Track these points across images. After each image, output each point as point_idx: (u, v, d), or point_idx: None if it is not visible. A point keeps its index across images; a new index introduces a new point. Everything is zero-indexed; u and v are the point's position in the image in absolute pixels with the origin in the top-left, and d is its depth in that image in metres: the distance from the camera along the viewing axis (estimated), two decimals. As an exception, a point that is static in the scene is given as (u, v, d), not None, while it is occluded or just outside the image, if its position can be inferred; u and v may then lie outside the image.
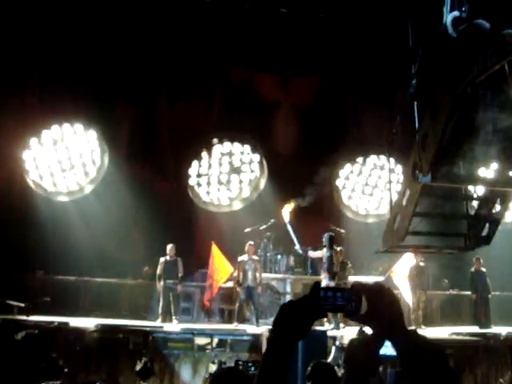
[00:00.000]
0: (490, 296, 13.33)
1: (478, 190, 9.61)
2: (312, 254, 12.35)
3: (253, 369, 5.68)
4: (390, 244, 8.97)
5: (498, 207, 8.96)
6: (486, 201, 9.08)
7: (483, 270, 13.39)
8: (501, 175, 8.35)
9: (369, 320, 1.55)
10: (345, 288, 1.59)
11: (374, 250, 13.53)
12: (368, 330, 1.64)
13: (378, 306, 1.53)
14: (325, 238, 11.97)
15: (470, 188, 9.75)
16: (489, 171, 8.51)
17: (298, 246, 12.31)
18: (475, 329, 12.57)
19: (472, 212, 9.35)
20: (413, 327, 10.49)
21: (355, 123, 15.87)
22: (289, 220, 12.50)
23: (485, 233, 9.09)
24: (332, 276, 11.63)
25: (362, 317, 1.54)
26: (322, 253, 11.90)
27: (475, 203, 9.47)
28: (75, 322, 10.54)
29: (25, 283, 12.70)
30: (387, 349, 1.76)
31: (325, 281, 11.61)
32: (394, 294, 1.58)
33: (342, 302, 1.55)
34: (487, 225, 9.02)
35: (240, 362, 5.77)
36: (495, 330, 12.31)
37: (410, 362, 1.49)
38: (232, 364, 7.88)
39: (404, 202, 8.49)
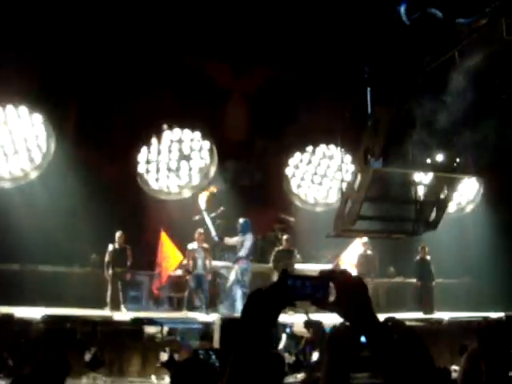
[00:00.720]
0: (433, 283, 13.73)
1: (426, 177, 9.85)
2: (228, 240, 12.38)
3: (214, 357, 5.64)
4: (340, 228, 9.11)
5: (444, 193, 9.23)
6: (434, 187, 9.33)
7: (428, 258, 13.78)
8: (448, 162, 8.58)
9: (337, 308, 1.54)
10: (313, 276, 1.57)
11: (323, 238, 13.80)
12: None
13: (347, 294, 1.52)
14: (239, 224, 12.09)
15: (419, 174, 9.99)
16: (437, 158, 8.71)
17: (213, 234, 12.34)
18: (419, 315, 12.93)
19: (420, 198, 9.59)
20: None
21: (305, 112, 15.94)
22: (205, 207, 12.48)
23: (432, 218, 9.35)
24: (250, 260, 11.85)
25: (331, 305, 1.54)
26: (238, 239, 11.97)
27: (423, 189, 9.71)
28: (20, 312, 10.22)
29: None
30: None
31: (242, 266, 11.72)
32: (363, 281, 1.58)
33: (311, 291, 1.54)
34: (434, 210, 9.27)
35: (200, 352, 5.68)
36: (438, 315, 12.71)
37: (380, 349, 1.49)
38: (185, 354, 7.86)
39: (355, 187, 8.62)
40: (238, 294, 11.69)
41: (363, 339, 1.59)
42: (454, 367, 8.67)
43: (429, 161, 8.60)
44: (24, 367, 8.18)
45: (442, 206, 9.34)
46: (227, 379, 1.48)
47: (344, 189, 9.32)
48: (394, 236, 10.12)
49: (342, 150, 11.70)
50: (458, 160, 8.52)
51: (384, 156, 8.04)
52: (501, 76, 7.39)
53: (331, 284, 1.54)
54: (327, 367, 1.70)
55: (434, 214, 9.35)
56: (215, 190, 13.58)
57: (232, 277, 11.92)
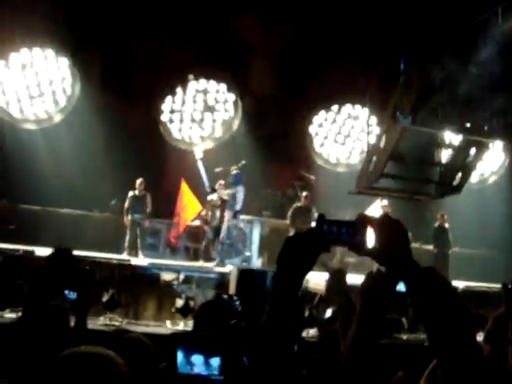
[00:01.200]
0: (450, 251, 13.67)
1: (454, 139, 9.67)
2: (222, 192, 12.19)
3: (237, 303, 5.70)
4: (363, 185, 9.06)
5: (471, 157, 9.09)
6: (461, 150, 9.18)
7: (446, 225, 13.67)
8: (477, 125, 8.43)
9: (375, 253, 1.49)
10: (350, 221, 1.52)
11: (342, 198, 13.78)
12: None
13: (385, 238, 1.47)
14: (231, 176, 11.94)
15: (446, 136, 9.80)
16: (466, 120, 8.54)
17: (207, 185, 12.22)
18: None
19: (446, 160, 9.46)
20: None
21: (332, 71, 15.67)
22: (201, 157, 12.31)
23: (456, 182, 9.24)
24: (234, 214, 11.74)
25: (368, 250, 1.49)
26: (229, 191, 11.92)
27: (449, 152, 9.57)
28: (40, 251, 10.40)
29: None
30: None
31: (228, 219, 11.71)
32: (403, 227, 1.52)
33: (347, 236, 1.50)
34: (459, 174, 9.16)
35: (224, 296, 5.71)
36: (453, 283, 12.67)
37: (422, 298, 1.44)
38: (200, 300, 7.95)
39: (381, 145, 8.53)
40: (227, 245, 11.78)
41: (399, 288, 1.56)
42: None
43: (458, 123, 8.45)
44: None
45: (467, 170, 9.22)
46: (265, 321, 1.48)
47: (369, 146, 9.22)
48: (416, 197, 10.03)
49: (369, 108, 11.48)
50: (487, 124, 8.36)
51: (413, 114, 7.91)
52: None
53: (369, 229, 1.49)
54: (359, 316, 1.66)
55: (458, 178, 9.23)
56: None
57: (224, 230, 11.84)
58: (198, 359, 2.60)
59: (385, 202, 13.27)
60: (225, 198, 12.30)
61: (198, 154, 12.37)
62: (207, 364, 2.56)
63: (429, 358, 1.47)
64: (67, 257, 2.61)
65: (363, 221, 1.51)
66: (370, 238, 1.49)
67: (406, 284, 1.47)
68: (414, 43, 7.95)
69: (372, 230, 1.49)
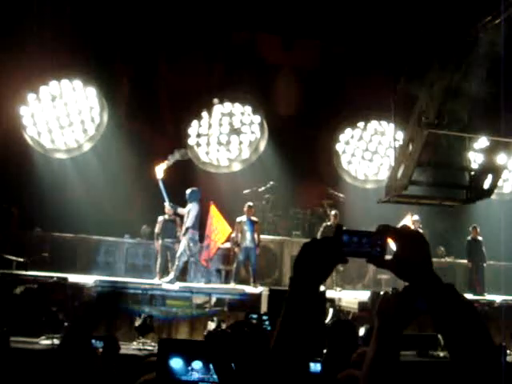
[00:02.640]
0: (485, 265, 13.42)
1: (482, 141, 9.50)
2: (180, 210, 12.14)
3: (267, 322, 5.64)
4: (392, 193, 8.97)
5: (500, 159, 8.92)
6: (489, 153, 9.03)
7: (480, 238, 13.45)
8: (505, 127, 8.30)
9: (395, 265, 1.46)
10: (370, 232, 1.49)
11: (372, 215, 13.62)
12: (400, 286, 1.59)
13: (406, 250, 1.44)
14: (187, 194, 11.93)
15: (474, 139, 9.65)
16: (494, 122, 8.40)
17: (167, 203, 12.14)
18: (470, 296, 12.66)
19: (474, 164, 9.30)
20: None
21: (357, 87, 15.69)
22: (162, 177, 12.32)
23: (487, 185, 9.07)
24: (185, 230, 11.66)
25: (388, 262, 1.47)
26: (185, 209, 11.91)
27: (478, 155, 9.41)
28: (73, 278, 10.57)
29: (23, 240, 12.72)
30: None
31: (189, 236, 11.63)
32: (424, 238, 1.49)
33: (367, 247, 1.47)
34: (489, 176, 8.99)
35: (253, 316, 5.65)
36: (489, 297, 12.43)
37: (441, 312, 1.41)
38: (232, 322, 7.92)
39: (408, 151, 8.45)
40: (181, 263, 11.70)
41: (419, 305, 1.53)
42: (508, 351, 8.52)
43: (485, 125, 8.33)
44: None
45: (497, 172, 9.05)
46: (278, 331, 1.45)
47: (396, 153, 9.14)
48: (446, 203, 9.87)
49: (395, 123, 11.39)
50: None
51: (438, 119, 7.84)
52: None
53: (389, 240, 1.47)
54: (377, 336, 1.63)
55: (488, 181, 9.07)
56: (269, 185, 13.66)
57: (181, 248, 11.80)
58: (198, 364, 2.58)
59: (416, 217, 13.12)
60: (254, 219, 12.33)
61: (159, 173, 12.41)
62: (207, 369, 2.55)
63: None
64: (117, 300, 2.65)
65: (383, 232, 1.48)
66: (390, 250, 1.48)
67: (425, 297, 1.44)
68: (435, 45, 7.90)
69: (391, 241, 1.48)
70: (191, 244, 11.76)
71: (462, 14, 7.13)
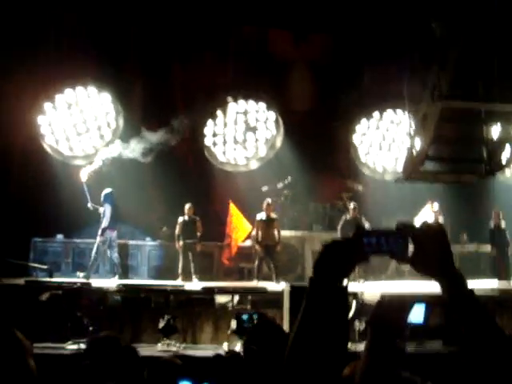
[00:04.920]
0: (509, 251, 13.22)
1: (497, 113, 9.22)
2: (101, 209, 12.16)
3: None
4: (409, 170, 8.86)
5: None
6: (506, 124, 8.85)
7: (503, 223, 13.25)
8: None
9: (417, 261, 1.48)
10: (389, 230, 1.51)
11: (392, 206, 13.58)
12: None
13: (426, 246, 1.45)
14: (102, 196, 12.08)
15: (491, 111, 9.40)
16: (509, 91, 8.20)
17: (89, 204, 12.10)
18: (495, 282, 12.53)
19: (491, 136, 9.11)
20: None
21: (370, 78, 15.61)
22: (86, 180, 12.30)
23: (505, 158, 8.91)
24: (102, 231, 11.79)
25: (410, 258, 1.48)
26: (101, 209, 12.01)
27: (495, 128, 9.21)
28: (97, 282, 10.70)
29: (45, 247, 12.90)
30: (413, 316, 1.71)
31: (106, 237, 11.83)
32: (444, 232, 1.50)
33: (387, 246, 1.49)
34: (508, 148, 8.81)
35: (243, 317, 5.63)
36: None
37: (461, 306, 1.42)
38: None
39: (423, 127, 8.36)
40: (114, 256, 11.91)
41: (415, 320, 1.53)
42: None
43: (499, 94, 8.16)
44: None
45: None
46: (297, 328, 1.45)
47: (412, 130, 9.03)
48: (464, 178, 9.72)
49: (410, 111, 11.24)
50: None
51: (452, 91, 7.73)
52: None
53: (410, 237, 1.48)
54: (369, 346, 1.62)
55: (507, 154, 8.91)
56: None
57: (105, 246, 11.90)
58: None
59: (436, 206, 13.02)
60: (273, 216, 12.34)
61: (84, 176, 12.43)
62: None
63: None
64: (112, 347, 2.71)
65: (403, 229, 1.50)
66: (411, 246, 1.49)
67: (445, 289, 1.46)
68: (445, 23, 7.81)
69: (412, 238, 1.48)
70: (102, 245, 11.87)
71: None
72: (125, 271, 12.52)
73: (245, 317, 7.68)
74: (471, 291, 1.45)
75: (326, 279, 1.46)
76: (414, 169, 8.94)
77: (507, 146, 9.02)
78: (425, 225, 1.50)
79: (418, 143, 8.81)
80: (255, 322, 6.75)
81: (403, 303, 1.67)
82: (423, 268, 1.48)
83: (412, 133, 9.29)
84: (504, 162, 9.16)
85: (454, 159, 9.83)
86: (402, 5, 11.86)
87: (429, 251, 1.45)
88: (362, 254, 1.49)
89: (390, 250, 1.49)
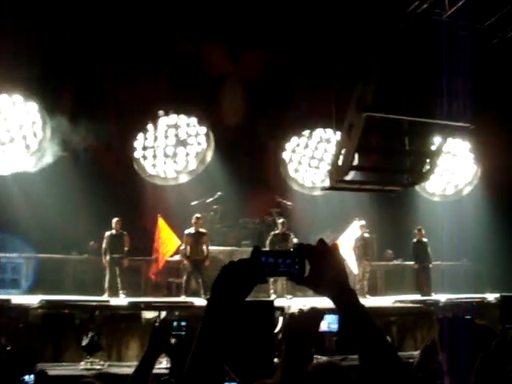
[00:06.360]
0: (430, 265, 13.70)
1: (419, 125, 9.64)
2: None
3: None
4: (335, 179, 9.07)
5: (437, 142, 9.12)
6: (427, 136, 9.24)
7: (425, 240, 13.72)
8: (440, 110, 8.52)
9: (312, 282, 1.50)
10: (287, 252, 1.54)
11: (320, 222, 13.82)
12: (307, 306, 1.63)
13: (322, 267, 1.48)
14: None
15: (413, 123, 9.79)
16: (430, 105, 8.59)
17: None
18: (417, 297, 12.95)
19: (414, 148, 9.48)
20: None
21: (302, 97, 15.88)
22: None
23: (425, 169, 9.28)
24: None
25: (306, 279, 1.50)
26: None
27: (417, 140, 9.58)
28: (18, 299, 10.28)
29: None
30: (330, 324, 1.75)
31: None
32: (338, 253, 1.53)
33: (284, 267, 1.50)
34: (427, 161, 9.19)
35: (174, 324, 5.51)
36: (435, 297, 12.73)
37: (355, 325, 1.46)
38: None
39: (348, 137, 8.59)
40: None
41: (330, 327, 1.57)
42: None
43: (423, 108, 8.51)
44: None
45: (434, 156, 9.27)
46: (194, 346, 1.46)
47: (339, 140, 9.25)
48: (388, 188, 10.03)
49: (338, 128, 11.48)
50: (451, 108, 8.46)
51: (376, 103, 8.03)
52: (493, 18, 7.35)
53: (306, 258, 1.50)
54: (284, 355, 1.65)
55: (427, 165, 9.28)
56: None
57: None
58: None
59: (362, 222, 13.33)
60: (202, 231, 12.31)
61: None
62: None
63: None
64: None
65: (299, 250, 1.51)
66: (307, 268, 1.50)
67: (340, 309, 1.49)
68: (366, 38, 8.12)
69: (307, 258, 1.50)
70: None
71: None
72: (48, 286, 12.10)
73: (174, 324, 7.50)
74: (362, 308, 1.49)
75: (223, 300, 1.47)
76: (339, 177, 9.15)
77: (427, 158, 9.39)
78: (320, 246, 1.52)
79: (344, 153, 9.04)
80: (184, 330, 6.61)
81: (315, 313, 1.70)
82: (316, 287, 1.51)
83: (338, 142, 9.53)
84: (424, 174, 9.51)
85: (378, 169, 10.15)
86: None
87: (321, 270, 1.48)
88: (261, 275, 1.50)
89: (286, 271, 1.50)
